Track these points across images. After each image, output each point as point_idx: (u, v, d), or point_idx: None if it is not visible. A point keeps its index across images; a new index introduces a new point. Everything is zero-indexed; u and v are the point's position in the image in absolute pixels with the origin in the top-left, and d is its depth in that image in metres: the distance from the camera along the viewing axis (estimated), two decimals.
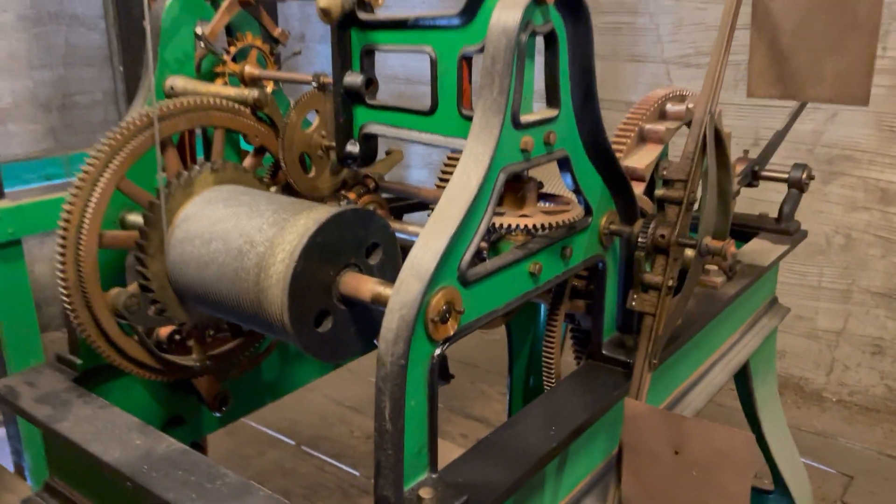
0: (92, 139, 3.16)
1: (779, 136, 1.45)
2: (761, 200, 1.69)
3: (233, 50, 1.11)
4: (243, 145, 1.16)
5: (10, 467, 2.33)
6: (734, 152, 1.43)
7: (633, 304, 0.91)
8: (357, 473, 2.45)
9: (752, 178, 1.44)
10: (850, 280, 2.66)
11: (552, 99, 0.83)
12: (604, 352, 1.01)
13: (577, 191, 0.89)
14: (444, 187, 0.79)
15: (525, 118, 0.78)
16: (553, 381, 1.07)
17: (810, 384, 2.80)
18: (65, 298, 0.88)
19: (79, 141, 3.23)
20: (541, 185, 0.89)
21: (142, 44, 0.98)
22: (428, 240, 0.68)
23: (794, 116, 1.44)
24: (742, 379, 1.56)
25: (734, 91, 2.81)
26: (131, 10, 2.61)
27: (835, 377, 2.74)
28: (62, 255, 0.87)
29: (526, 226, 0.82)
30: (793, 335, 2.78)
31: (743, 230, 1.60)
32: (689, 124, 1.05)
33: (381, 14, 0.90)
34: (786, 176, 1.44)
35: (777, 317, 1.62)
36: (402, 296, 0.66)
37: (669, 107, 1.16)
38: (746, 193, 1.51)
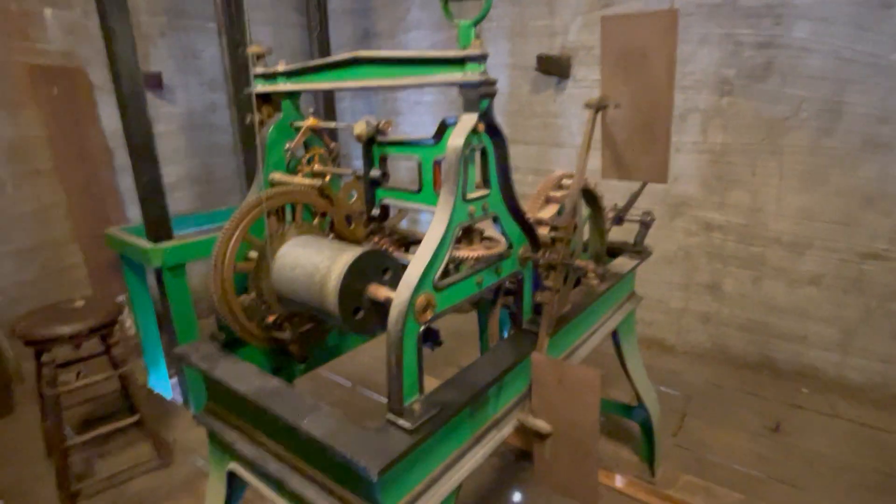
0: (224, 201, 4.35)
1: (634, 197, 1.93)
2: (629, 233, 2.20)
3: (307, 155, 1.50)
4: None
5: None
6: (609, 204, 1.93)
7: (538, 298, 1.31)
8: None
9: (618, 221, 1.92)
10: (689, 278, 3.57)
11: (486, 183, 1.22)
12: (524, 326, 1.41)
13: (503, 234, 1.29)
14: None
15: (470, 195, 1.16)
16: (493, 342, 1.47)
17: (667, 342, 3.68)
18: (215, 300, 1.26)
19: (216, 203, 4.40)
20: (482, 232, 1.29)
21: (254, 141, 1.38)
22: (414, 265, 1.07)
23: (637, 193, 1.92)
24: (614, 338, 2.14)
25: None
26: (249, 129, 3.46)
27: (681, 337, 3.63)
28: (215, 277, 1.26)
29: (473, 256, 1.22)
30: (656, 311, 3.73)
31: (613, 251, 2.15)
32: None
33: (391, 136, 1.33)
34: (638, 219, 1.94)
35: (634, 303, 2.18)
36: (399, 297, 1.05)
37: (564, 181, 1.60)
38: (617, 229, 2.02)
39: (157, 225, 2.98)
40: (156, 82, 3.94)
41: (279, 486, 1.27)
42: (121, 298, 3.81)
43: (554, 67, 3.63)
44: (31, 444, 2.92)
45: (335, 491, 1.15)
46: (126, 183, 3.85)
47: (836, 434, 2.90)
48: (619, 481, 2.56)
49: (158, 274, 2.97)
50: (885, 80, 2.79)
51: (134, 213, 3.85)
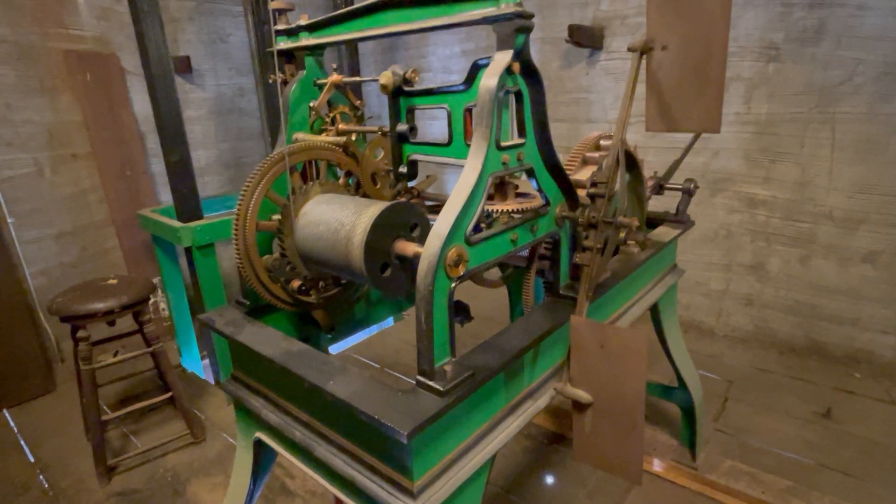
0: None
1: (676, 163, 1.81)
2: (670, 204, 2.08)
3: (332, 114, 1.45)
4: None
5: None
6: (648, 173, 1.82)
7: (577, 260, 1.23)
8: None
9: (659, 189, 1.81)
10: (730, 258, 3.37)
11: (521, 132, 1.13)
12: (560, 292, 1.32)
13: (539, 190, 1.20)
14: None
15: (504, 143, 1.07)
16: (528, 309, 1.37)
17: (706, 325, 3.50)
18: (238, 261, 1.22)
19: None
20: (517, 186, 1.22)
21: (281, 122, 1.32)
22: (444, 216, 0.99)
23: (688, 149, 1.80)
24: (654, 313, 2.00)
25: (651, 138, 3.47)
26: (275, 105, 3.53)
27: (722, 320, 3.44)
28: (236, 234, 1.21)
29: (507, 210, 1.15)
30: (695, 294, 3.55)
31: (654, 221, 2.01)
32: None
33: (417, 87, 1.25)
34: (680, 186, 1.80)
35: (676, 275, 2.04)
36: (429, 249, 0.97)
37: (602, 142, 1.49)
38: (657, 199, 1.91)
39: (187, 205, 2.99)
40: (185, 66, 3.96)
41: (306, 454, 1.22)
42: (155, 280, 3.86)
43: (586, 38, 3.47)
44: (72, 421, 2.99)
45: (364, 458, 1.10)
46: (158, 167, 3.89)
47: (894, 421, 2.70)
48: (657, 465, 2.44)
49: (189, 254, 2.98)
50: None
51: (166, 196, 3.89)
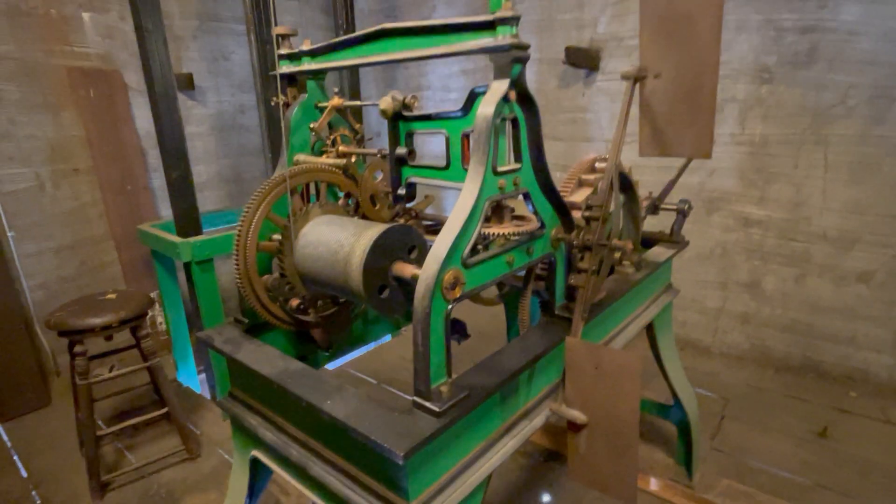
0: None
1: (671, 183, 1.84)
2: (666, 223, 2.11)
3: (332, 136, 1.47)
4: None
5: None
6: (643, 194, 1.85)
7: (572, 281, 1.24)
8: None
9: (654, 209, 1.83)
10: (726, 276, 3.40)
11: (517, 157, 1.16)
12: (556, 312, 1.34)
13: (535, 213, 1.22)
14: None
15: (501, 168, 1.09)
16: (524, 329, 1.37)
17: (702, 343, 3.51)
18: (238, 280, 1.24)
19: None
20: (513, 210, 1.22)
21: (282, 141, 1.34)
22: (441, 239, 1.00)
23: (680, 172, 1.83)
24: (650, 332, 2.01)
25: (647, 157, 3.40)
26: (276, 122, 3.60)
27: (718, 338, 3.45)
28: (237, 254, 1.23)
29: (503, 233, 1.15)
30: (690, 312, 3.57)
31: (649, 240, 2.04)
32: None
33: (416, 112, 1.27)
34: (675, 207, 1.83)
35: (671, 295, 2.05)
36: (427, 271, 0.98)
37: (597, 164, 1.52)
38: (652, 219, 1.93)
39: (187, 220, 3.01)
40: (187, 83, 4.01)
41: (301, 472, 1.22)
42: (153, 294, 3.87)
43: (583, 60, 3.54)
44: (66, 435, 2.98)
45: (359, 478, 1.10)
46: (158, 182, 3.92)
47: (890, 441, 2.70)
48: (653, 484, 2.44)
49: (188, 268, 2.99)
50: None
51: (166, 211, 3.92)
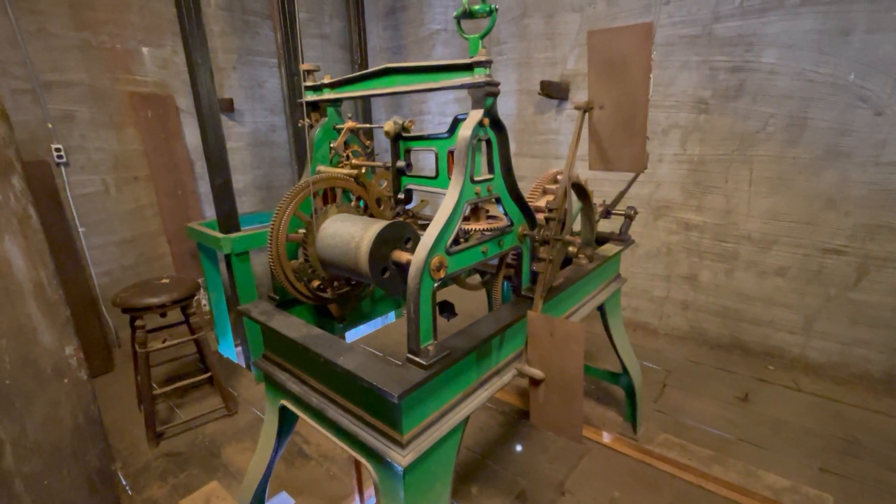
0: None
1: (621, 194, 1.92)
2: (618, 226, 2.20)
3: (347, 151, 1.54)
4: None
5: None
6: (598, 201, 1.92)
7: (534, 267, 1.31)
8: None
9: (607, 214, 1.90)
10: (670, 271, 3.47)
11: (490, 169, 1.23)
12: (522, 293, 1.42)
13: (505, 213, 1.30)
14: None
15: (477, 178, 1.18)
16: (497, 305, 1.46)
17: (650, 325, 3.58)
18: (271, 264, 1.30)
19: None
20: (487, 211, 1.32)
21: (306, 156, 1.42)
22: (429, 232, 1.09)
23: (629, 184, 1.91)
24: (602, 313, 2.08)
25: (607, 172, 3.51)
26: (301, 140, 3.76)
27: (663, 321, 3.52)
28: (271, 243, 1.30)
29: (480, 229, 1.26)
30: (641, 299, 3.65)
31: (603, 239, 2.11)
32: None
33: (413, 133, 1.37)
34: (623, 212, 1.91)
35: (619, 283, 2.12)
36: (417, 256, 1.07)
37: (559, 177, 1.60)
38: (606, 222, 2.00)
39: (228, 219, 3.10)
40: (228, 106, 4.09)
41: (320, 416, 1.30)
42: (199, 280, 3.94)
43: (555, 91, 3.63)
44: (127, 396, 3.05)
45: (365, 418, 1.19)
46: (204, 187, 4.00)
47: (799, 405, 2.81)
48: (605, 437, 2.54)
49: (228, 260, 3.07)
50: (843, 98, 2.71)
51: (210, 212, 3.99)
